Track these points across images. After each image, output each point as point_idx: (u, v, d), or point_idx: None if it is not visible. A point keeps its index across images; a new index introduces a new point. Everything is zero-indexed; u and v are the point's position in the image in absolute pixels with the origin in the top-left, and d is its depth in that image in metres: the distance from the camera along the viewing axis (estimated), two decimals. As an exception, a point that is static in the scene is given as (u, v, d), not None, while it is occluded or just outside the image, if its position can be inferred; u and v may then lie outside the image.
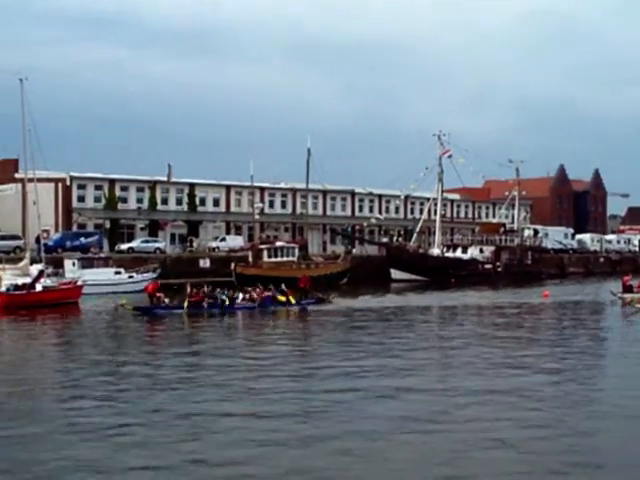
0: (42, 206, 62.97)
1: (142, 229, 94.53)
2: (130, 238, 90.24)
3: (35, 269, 58.80)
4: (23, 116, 60.30)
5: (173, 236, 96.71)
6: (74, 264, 66.89)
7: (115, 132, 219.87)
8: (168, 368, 29.95)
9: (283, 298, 54.24)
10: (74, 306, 55.14)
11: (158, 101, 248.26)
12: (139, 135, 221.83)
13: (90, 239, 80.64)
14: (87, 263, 68.87)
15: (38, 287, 56.00)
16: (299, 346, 37.19)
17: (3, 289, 54.54)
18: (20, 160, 72.01)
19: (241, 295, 53.71)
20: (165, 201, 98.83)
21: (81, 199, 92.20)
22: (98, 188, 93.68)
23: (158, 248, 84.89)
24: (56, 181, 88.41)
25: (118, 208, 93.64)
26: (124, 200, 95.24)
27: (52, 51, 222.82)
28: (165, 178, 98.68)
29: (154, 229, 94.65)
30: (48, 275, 58.99)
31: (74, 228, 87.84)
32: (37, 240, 64.37)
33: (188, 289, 52.69)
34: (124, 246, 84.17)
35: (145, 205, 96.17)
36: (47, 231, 75.42)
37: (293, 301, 54.56)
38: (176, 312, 49.69)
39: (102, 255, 74.99)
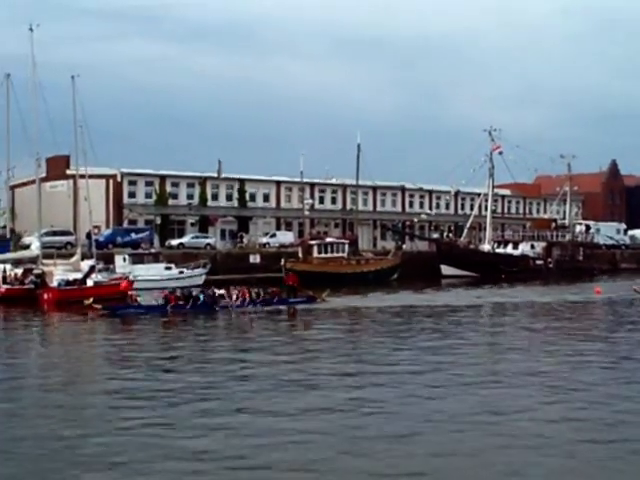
0: (93, 202, 63.27)
1: (192, 225, 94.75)
2: (180, 234, 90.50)
3: (86, 265, 59.21)
4: (74, 113, 60.85)
5: (223, 232, 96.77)
6: (125, 260, 67.13)
7: (165, 128, 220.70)
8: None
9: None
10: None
11: (207, 96, 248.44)
12: (189, 131, 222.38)
13: (141, 235, 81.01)
14: (138, 259, 68.97)
15: (89, 283, 56.32)
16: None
17: (55, 284, 54.89)
18: (72, 156, 72.51)
19: (221, 291, 51.23)
20: (215, 197, 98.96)
21: (132, 195, 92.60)
22: (149, 184, 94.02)
23: (208, 244, 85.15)
24: (107, 177, 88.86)
25: (169, 204, 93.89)
26: (174, 196, 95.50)
27: (102, 47, 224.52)
28: (215, 174, 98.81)
29: (204, 225, 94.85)
30: (99, 271, 59.25)
31: (125, 224, 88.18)
32: (88, 236, 64.68)
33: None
34: (174, 242, 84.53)
35: (195, 201, 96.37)
36: (98, 227, 75.74)
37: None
38: (150, 312, 47.48)
39: (152, 251, 75.01)
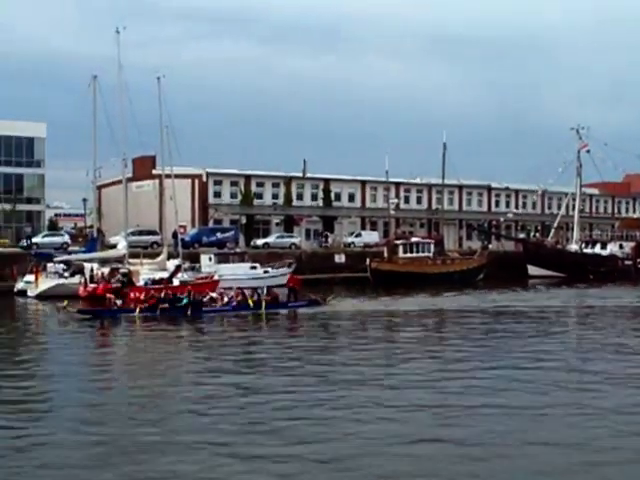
0: (179, 202, 63.82)
1: (277, 224, 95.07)
2: (265, 233, 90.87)
3: (172, 264, 59.68)
4: (161, 113, 61.40)
5: (308, 231, 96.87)
6: (210, 259, 67.55)
7: (251, 128, 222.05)
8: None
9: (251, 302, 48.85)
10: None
11: (293, 96, 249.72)
12: (274, 130, 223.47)
13: (226, 234, 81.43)
14: (223, 258, 69.42)
15: (175, 282, 56.67)
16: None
17: (141, 283, 55.35)
18: (158, 157, 73.13)
19: (213, 294, 49.51)
20: (300, 197, 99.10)
21: (217, 195, 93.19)
22: (234, 184, 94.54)
23: (293, 243, 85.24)
24: (193, 177, 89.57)
25: (254, 204, 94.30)
26: (260, 196, 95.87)
27: (188, 48, 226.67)
28: (300, 174, 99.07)
29: (289, 224, 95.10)
30: (185, 270, 59.66)
31: (210, 224, 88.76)
32: (174, 235, 65.25)
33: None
34: (260, 241, 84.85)
35: (280, 201, 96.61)
36: (184, 226, 76.39)
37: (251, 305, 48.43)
38: (130, 315, 45.75)
39: (238, 250, 75.54)
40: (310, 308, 49.88)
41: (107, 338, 41.24)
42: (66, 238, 76.79)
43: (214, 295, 49.10)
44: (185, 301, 46.65)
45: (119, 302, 47.21)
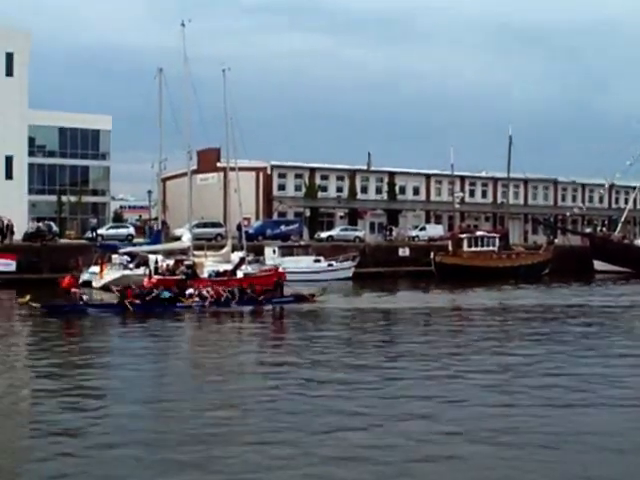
0: (243, 194, 63.81)
1: (342, 217, 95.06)
2: (330, 226, 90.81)
3: (236, 256, 59.67)
4: (226, 106, 61.32)
5: (372, 225, 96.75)
6: (274, 252, 67.65)
7: (316, 120, 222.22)
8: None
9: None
10: (274, 293, 55.28)
11: (358, 88, 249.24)
12: (339, 123, 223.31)
13: (290, 227, 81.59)
14: (287, 251, 69.56)
15: (239, 274, 56.68)
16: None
17: (205, 275, 55.40)
18: (222, 149, 73.21)
19: (190, 290, 46.49)
20: (365, 190, 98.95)
21: (281, 187, 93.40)
22: (298, 177, 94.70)
23: (357, 237, 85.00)
24: (257, 170, 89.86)
25: (318, 196, 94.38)
26: (324, 189, 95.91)
27: (253, 40, 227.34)
28: (365, 167, 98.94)
29: (353, 217, 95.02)
30: (249, 262, 59.66)
31: (274, 216, 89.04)
32: (238, 228, 65.26)
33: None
34: (324, 234, 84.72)
35: (345, 194, 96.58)
36: (248, 219, 76.56)
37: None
38: (91, 312, 42.99)
39: (302, 243, 75.60)
40: (295, 304, 47.93)
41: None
42: (131, 230, 77.39)
43: (192, 291, 46.37)
44: (166, 295, 44.61)
45: (85, 297, 44.13)
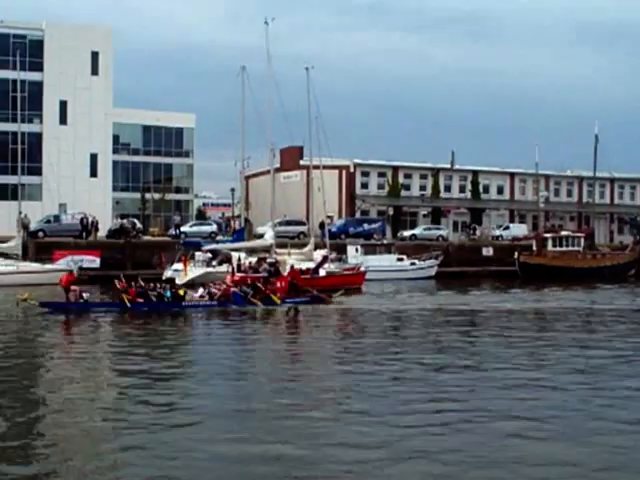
0: (326, 193, 63.59)
1: (425, 216, 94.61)
2: (413, 225, 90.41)
3: (319, 254, 59.46)
4: (309, 104, 61.25)
5: (456, 223, 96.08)
6: (357, 250, 67.24)
7: (399, 118, 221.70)
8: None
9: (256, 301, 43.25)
10: (357, 292, 55.06)
11: (441, 86, 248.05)
12: (423, 121, 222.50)
13: (373, 225, 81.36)
14: (370, 249, 69.18)
15: (322, 272, 56.45)
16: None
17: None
18: (305, 147, 73.29)
19: (201, 290, 44.00)
20: (448, 188, 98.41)
21: (364, 186, 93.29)
22: (381, 175, 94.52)
23: (440, 235, 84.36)
24: (340, 168, 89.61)
25: (401, 195, 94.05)
26: (407, 187, 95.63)
27: (336, 38, 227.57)
28: (448, 165, 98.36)
29: (437, 216, 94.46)
30: (331, 260, 59.47)
31: (357, 214, 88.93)
32: (321, 226, 65.16)
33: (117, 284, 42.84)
34: (407, 233, 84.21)
35: (428, 192, 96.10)
36: (331, 217, 76.38)
37: (277, 301, 43.52)
38: (95, 309, 41.48)
39: (385, 241, 75.29)
40: (312, 304, 44.89)
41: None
42: (214, 227, 77.69)
43: (202, 290, 44.15)
44: (168, 294, 42.06)
45: (85, 295, 41.63)
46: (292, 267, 50.25)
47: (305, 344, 33.16)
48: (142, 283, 42.91)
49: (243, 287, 43.87)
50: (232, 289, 43.40)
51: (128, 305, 40.67)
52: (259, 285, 44.74)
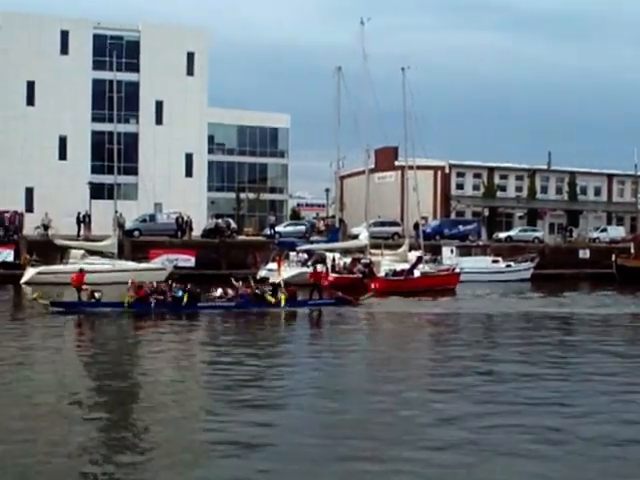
0: (421, 193, 63.13)
1: (520, 218, 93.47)
2: (508, 226, 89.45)
3: (414, 255, 59.14)
4: (404, 105, 60.93)
5: (552, 225, 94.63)
6: (452, 251, 66.71)
7: (494, 119, 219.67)
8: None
9: (272, 299, 41.77)
10: (451, 293, 54.49)
11: (538, 86, 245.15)
12: (518, 121, 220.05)
13: (468, 227, 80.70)
14: (465, 251, 68.80)
15: (416, 273, 56.10)
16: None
17: (382, 274, 55.01)
18: (400, 148, 72.85)
19: (220, 291, 42.16)
20: (544, 190, 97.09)
21: (459, 187, 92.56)
22: (477, 176, 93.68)
23: (536, 237, 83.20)
24: (435, 169, 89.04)
25: (497, 196, 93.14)
26: (503, 188, 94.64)
27: (431, 37, 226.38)
28: (545, 166, 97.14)
29: (533, 218, 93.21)
30: (426, 262, 59.04)
31: (452, 216, 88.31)
32: (416, 227, 64.79)
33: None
34: (502, 234, 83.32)
35: (524, 193, 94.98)
36: (425, 218, 75.86)
37: (283, 302, 41.69)
38: (108, 310, 39.82)
39: (480, 243, 74.74)
40: (337, 306, 43.47)
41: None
42: (303, 228, 77.66)
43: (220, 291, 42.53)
44: (180, 294, 40.65)
45: (97, 295, 40.58)
46: (315, 268, 49.24)
47: (394, 347, 32.72)
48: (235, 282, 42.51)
49: (261, 288, 42.54)
50: (248, 290, 42.16)
51: (141, 306, 39.60)
52: (282, 285, 43.39)
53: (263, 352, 29.77)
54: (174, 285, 41.57)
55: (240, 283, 42.95)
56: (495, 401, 21.52)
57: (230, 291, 41.89)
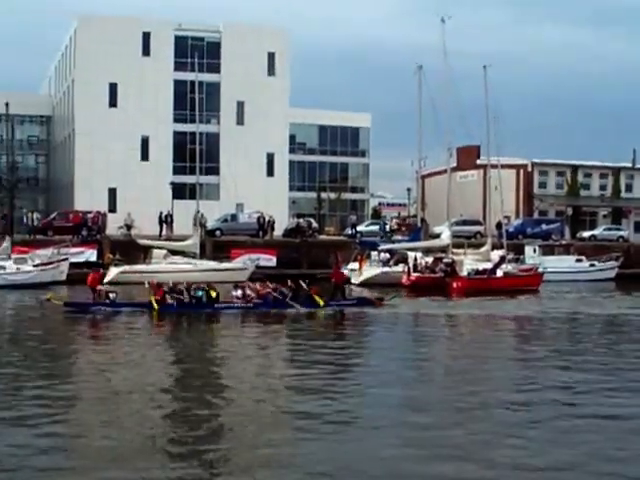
0: (503, 192, 62.61)
1: (605, 216, 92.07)
2: (592, 225, 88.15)
3: (496, 255, 58.64)
4: (487, 103, 60.34)
5: (637, 224, 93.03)
6: (535, 251, 65.94)
7: (577, 117, 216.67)
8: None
9: (320, 300, 40.95)
10: (534, 293, 53.80)
11: (623, 83, 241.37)
12: (603, 119, 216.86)
13: (551, 226, 79.71)
14: (548, 250, 67.94)
15: (499, 273, 55.60)
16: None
17: (464, 274, 54.60)
18: (482, 146, 72.19)
19: (239, 291, 40.99)
20: (629, 188, 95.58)
21: (542, 185, 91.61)
22: (560, 174, 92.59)
23: (621, 236, 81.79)
24: (517, 167, 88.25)
25: (580, 195, 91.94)
26: (586, 187, 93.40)
27: (513, 34, 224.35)
28: (630, 164, 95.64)
29: (617, 216, 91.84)
30: (509, 261, 58.47)
31: (535, 215, 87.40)
32: (498, 226, 64.27)
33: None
34: (586, 234, 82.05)
35: (608, 192, 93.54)
36: (508, 217, 75.12)
37: (321, 303, 40.87)
38: (125, 310, 39.43)
39: (563, 242, 73.81)
40: (360, 307, 41.88)
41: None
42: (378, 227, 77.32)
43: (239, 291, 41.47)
44: (200, 294, 40.17)
45: (112, 295, 40.26)
46: (335, 266, 48.45)
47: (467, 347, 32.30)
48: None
49: (281, 289, 41.15)
50: (268, 291, 41.01)
51: (155, 306, 38.99)
52: (303, 285, 42.28)
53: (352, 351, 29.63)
54: (193, 286, 40.90)
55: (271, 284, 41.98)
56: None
57: (249, 292, 40.96)
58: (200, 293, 40.01)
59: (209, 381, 24.36)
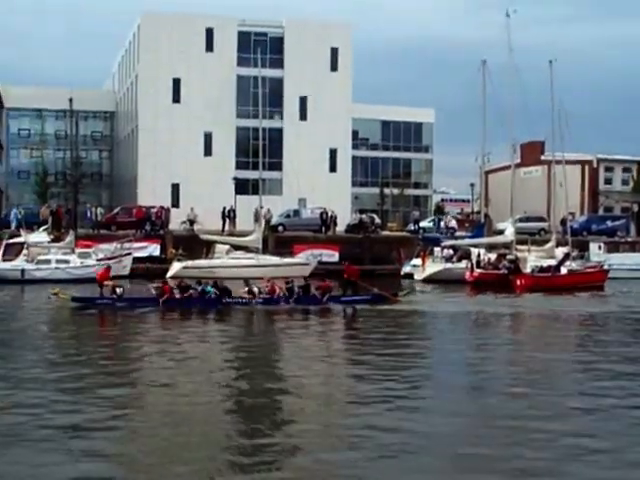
0: (568, 188, 61.96)
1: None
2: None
3: (560, 252, 58.08)
4: (552, 98, 59.67)
5: None
6: (600, 248, 65.34)
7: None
8: None
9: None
10: (599, 290, 53.11)
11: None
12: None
13: (617, 223, 78.77)
14: (613, 247, 67.21)
15: (563, 270, 55.06)
16: None
17: (528, 270, 54.15)
18: (547, 142, 71.53)
19: (246, 288, 39.99)
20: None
21: (608, 181, 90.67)
22: (626, 170, 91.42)
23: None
24: (582, 163, 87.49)
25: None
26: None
27: (578, 28, 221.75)
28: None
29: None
30: (573, 258, 57.90)
31: (600, 211, 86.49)
32: (562, 222, 63.67)
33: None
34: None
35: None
36: (573, 214, 74.35)
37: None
38: (135, 305, 39.12)
39: (629, 239, 72.92)
40: (373, 304, 40.66)
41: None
42: (453, 223, 76.86)
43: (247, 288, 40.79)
44: (209, 290, 39.94)
45: (119, 290, 39.69)
46: (346, 263, 47.16)
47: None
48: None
49: (291, 285, 40.68)
50: (278, 287, 40.55)
51: (161, 301, 38.64)
52: (310, 283, 42.05)
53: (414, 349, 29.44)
54: (202, 282, 40.72)
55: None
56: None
57: (255, 288, 40.12)
58: (209, 289, 39.94)
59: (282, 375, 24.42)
